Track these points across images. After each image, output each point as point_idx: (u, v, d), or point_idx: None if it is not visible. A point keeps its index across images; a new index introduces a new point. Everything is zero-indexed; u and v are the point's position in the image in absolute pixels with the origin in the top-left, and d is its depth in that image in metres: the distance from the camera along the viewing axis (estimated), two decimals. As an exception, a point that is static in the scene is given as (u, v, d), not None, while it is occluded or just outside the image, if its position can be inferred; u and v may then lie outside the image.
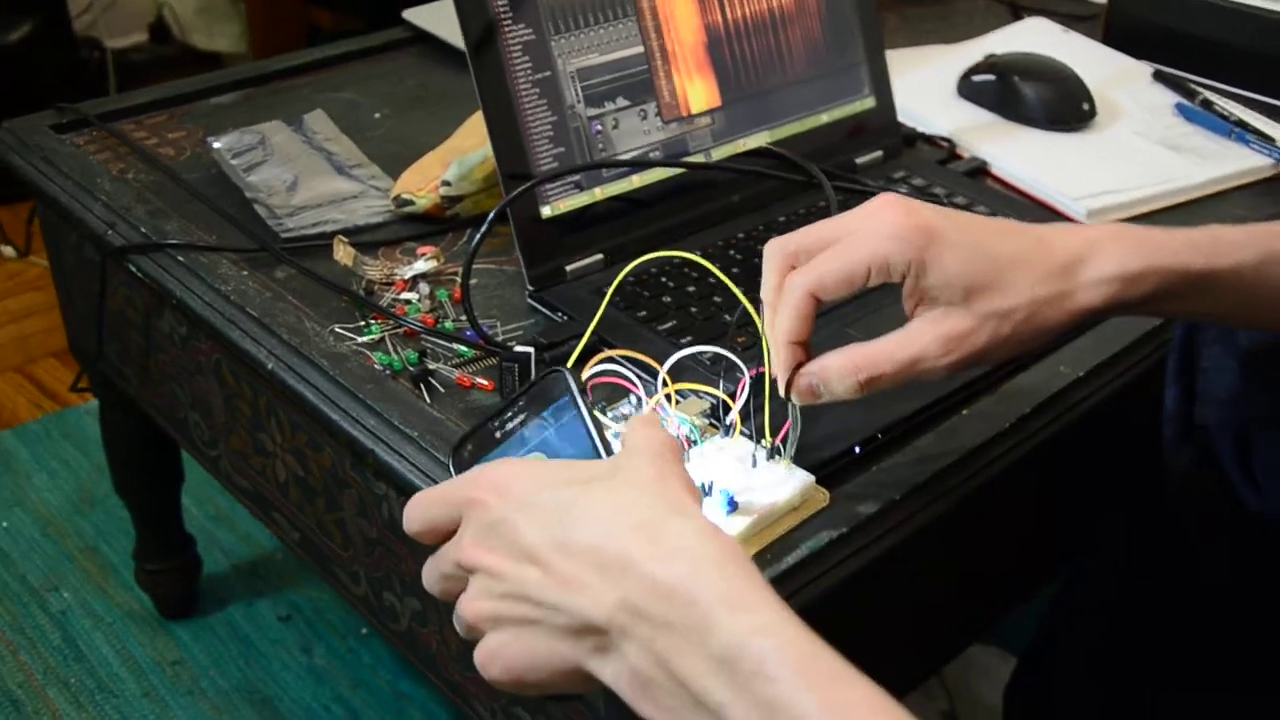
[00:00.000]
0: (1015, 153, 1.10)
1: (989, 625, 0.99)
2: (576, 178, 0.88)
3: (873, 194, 0.93)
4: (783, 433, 0.66)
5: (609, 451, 0.54)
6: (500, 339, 0.82)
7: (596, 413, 0.62)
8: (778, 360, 0.62)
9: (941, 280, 0.59)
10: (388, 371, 0.78)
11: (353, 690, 1.30)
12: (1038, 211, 1.03)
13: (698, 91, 0.94)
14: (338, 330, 0.82)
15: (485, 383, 0.79)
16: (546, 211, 0.86)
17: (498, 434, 0.56)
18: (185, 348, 0.94)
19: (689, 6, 0.93)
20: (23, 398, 1.78)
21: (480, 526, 0.49)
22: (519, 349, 0.77)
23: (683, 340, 0.80)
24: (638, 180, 0.90)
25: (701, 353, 0.71)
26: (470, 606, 0.49)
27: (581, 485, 0.49)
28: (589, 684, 0.47)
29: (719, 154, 0.96)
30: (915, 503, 0.69)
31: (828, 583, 0.65)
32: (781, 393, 0.63)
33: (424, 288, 0.87)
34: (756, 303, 0.65)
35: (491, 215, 0.82)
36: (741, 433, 0.68)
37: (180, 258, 0.89)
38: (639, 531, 0.46)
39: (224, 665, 1.33)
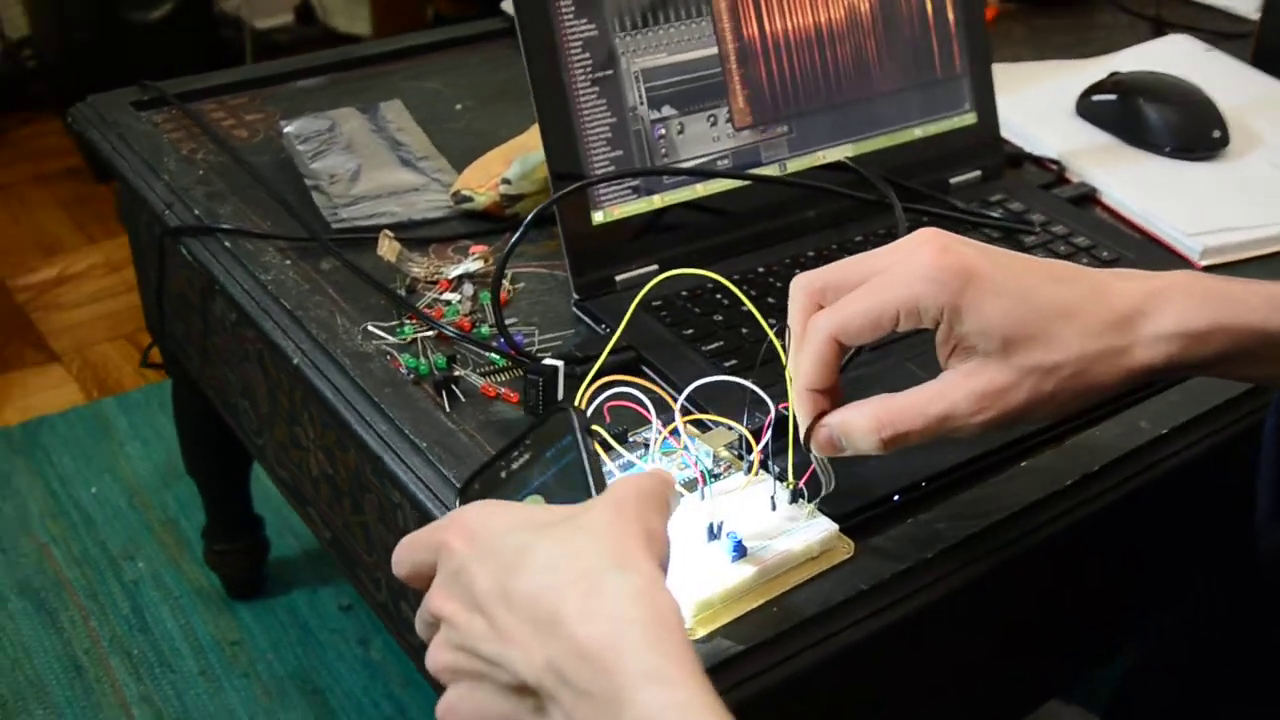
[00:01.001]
0: (1130, 180, 1.02)
1: (1058, 684, 0.91)
2: (634, 182, 0.84)
3: (955, 219, 0.89)
4: (806, 475, 0.62)
5: (600, 490, 0.51)
6: (536, 349, 0.79)
7: (599, 450, 0.60)
8: (798, 407, 0.59)
9: (979, 328, 0.54)
10: (411, 375, 0.76)
11: (403, 688, 1.29)
12: (1146, 247, 0.95)
13: (772, 99, 0.89)
14: (370, 328, 0.80)
15: (512, 394, 0.75)
16: (599, 217, 0.83)
17: (503, 474, 0.55)
18: (234, 334, 0.93)
19: (770, 8, 0.88)
20: (129, 366, 1.81)
21: (446, 573, 0.48)
22: (548, 361, 0.73)
23: (727, 364, 0.76)
24: (702, 189, 0.86)
25: (723, 383, 0.65)
26: (432, 657, 0.48)
27: (537, 530, 0.47)
28: None
29: (795, 166, 0.91)
30: (950, 562, 0.64)
31: (842, 642, 0.61)
32: (803, 442, 0.59)
33: (468, 289, 0.85)
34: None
35: (530, 217, 0.78)
36: (768, 471, 0.65)
37: (228, 243, 0.88)
38: (577, 584, 0.44)
39: (281, 650, 1.33)
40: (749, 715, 0.48)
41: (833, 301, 0.57)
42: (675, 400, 0.64)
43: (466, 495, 0.56)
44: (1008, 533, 0.66)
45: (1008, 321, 0.54)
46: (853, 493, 0.65)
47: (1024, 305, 0.54)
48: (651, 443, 0.66)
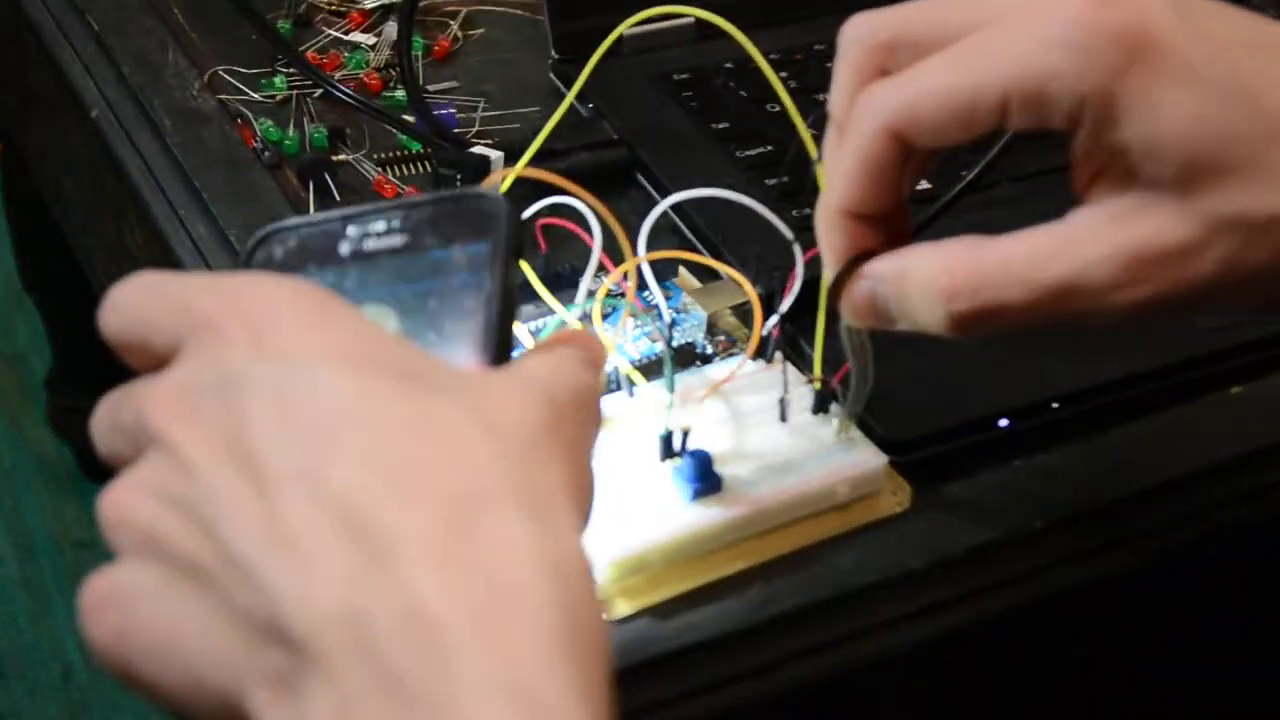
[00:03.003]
0: None
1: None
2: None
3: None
4: (841, 371, 0.59)
5: (499, 357, 0.48)
6: (473, 131, 0.77)
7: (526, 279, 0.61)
8: (824, 241, 0.55)
9: (1147, 139, 0.49)
10: (267, 153, 0.75)
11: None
12: None
13: None
14: (221, 74, 0.79)
15: (419, 198, 0.71)
16: (601, -68, 0.80)
17: (345, 247, 0.50)
18: (42, 69, 0.90)
19: None
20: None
21: (198, 371, 0.43)
22: (479, 149, 0.72)
23: (772, 181, 0.72)
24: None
25: (744, 210, 0.62)
26: (120, 497, 0.43)
27: (403, 387, 0.43)
28: None
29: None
30: (1073, 539, 0.61)
31: (864, 654, 0.59)
32: (828, 300, 0.56)
33: (391, 29, 0.82)
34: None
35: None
36: (785, 358, 0.63)
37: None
38: (442, 509, 0.40)
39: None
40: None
41: (905, 66, 0.53)
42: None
43: (264, 251, 0.51)
44: (1181, 504, 0.64)
45: (1201, 132, 0.50)
46: (920, 407, 0.63)
47: (1233, 106, 0.50)
48: (626, 295, 0.63)
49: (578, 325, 0.60)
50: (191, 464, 0.41)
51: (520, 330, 0.60)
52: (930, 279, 0.52)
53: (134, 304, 0.45)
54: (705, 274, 0.66)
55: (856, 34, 0.54)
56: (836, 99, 0.55)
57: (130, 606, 0.42)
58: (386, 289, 0.49)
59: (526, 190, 0.67)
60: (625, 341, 0.62)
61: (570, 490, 0.43)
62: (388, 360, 0.43)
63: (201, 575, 0.41)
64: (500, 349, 0.47)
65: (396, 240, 0.49)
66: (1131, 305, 0.51)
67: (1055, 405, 0.63)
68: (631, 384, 0.58)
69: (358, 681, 0.38)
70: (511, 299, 0.48)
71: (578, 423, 0.46)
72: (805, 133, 0.58)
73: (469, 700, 0.37)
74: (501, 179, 0.61)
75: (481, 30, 0.84)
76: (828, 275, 0.55)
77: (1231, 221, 0.50)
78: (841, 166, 0.54)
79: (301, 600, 0.39)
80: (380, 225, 0.50)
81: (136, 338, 0.45)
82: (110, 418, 0.46)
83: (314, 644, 0.38)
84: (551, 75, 0.80)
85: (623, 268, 0.60)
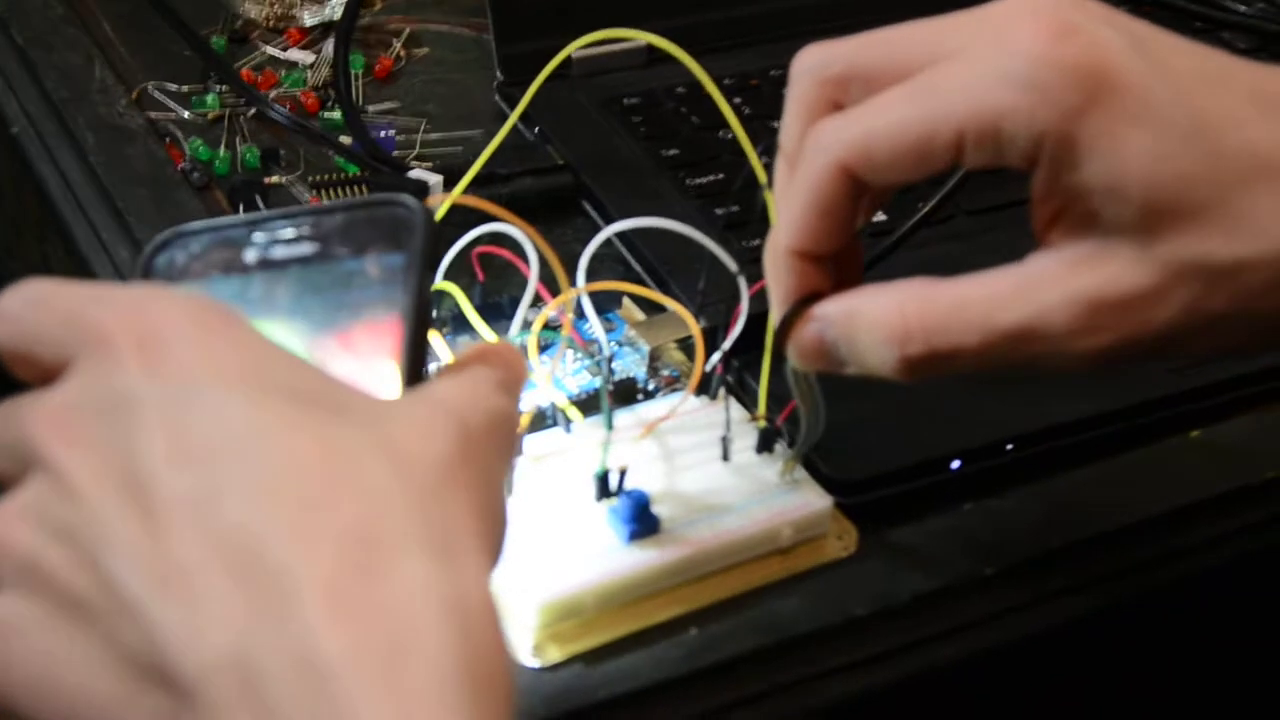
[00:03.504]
0: None
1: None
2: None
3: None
4: (787, 410, 0.58)
5: (411, 377, 0.47)
6: (413, 155, 0.77)
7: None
8: (773, 280, 0.55)
9: (1106, 180, 0.49)
10: (196, 172, 0.74)
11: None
12: None
13: None
14: (151, 91, 0.78)
15: (352, 222, 0.70)
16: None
17: (250, 254, 0.49)
18: None
19: None
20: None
21: (87, 389, 0.42)
22: (417, 173, 0.71)
23: (722, 210, 0.72)
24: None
25: (691, 243, 0.61)
26: (2, 523, 0.42)
27: (304, 415, 0.41)
28: None
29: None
30: (1024, 586, 0.61)
31: (805, 706, 0.58)
32: (775, 340, 0.55)
33: (330, 48, 0.82)
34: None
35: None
36: (733, 395, 0.62)
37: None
38: (343, 547, 0.39)
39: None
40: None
41: (858, 100, 0.53)
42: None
43: (164, 258, 0.49)
44: (1136, 551, 0.63)
45: (1161, 174, 0.49)
46: (869, 447, 0.62)
47: (1195, 146, 0.49)
48: (562, 328, 0.62)
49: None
50: (76, 490, 0.40)
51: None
52: (881, 322, 0.52)
53: (22, 313, 0.43)
54: (650, 306, 0.65)
55: (808, 65, 0.54)
56: (787, 132, 0.54)
57: (7, 643, 0.40)
58: (294, 301, 0.48)
59: (465, 216, 0.66)
60: (563, 375, 0.61)
61: (480, 526, 0.42)
62: (290, 384, 0.42)
63: (84, 611, 0.39)
64: (413, 369, 0.46)
65: (306, 248, 0.48)
66: (1090, 352, 0.50)
67: (1009, 447, 0.63)
68: (568, 420, 0.57)
69: None
70: (426, 314, 0.46)
71: (492, 452, 0.44)
72: (755, 160, 0.58)
73: None
74: (437, 204, 0.59)
75: (426, 50, 0.84)
76: (774, 316, 0.54)
77: (1193, 268, 0.49)
78: (792, 204, 0.53)
79: (188, 642, 0.38)
80: (289, 232, 0.48)
81: (23, 348, 0.43)
82: None
83: (199, 690, 0.37)
84: (497, 97, 0.80)
85: (560, 299, 0.59)
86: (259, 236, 0.48)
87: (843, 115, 0.52)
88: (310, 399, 0.42)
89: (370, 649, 0.37)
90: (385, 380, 0.45)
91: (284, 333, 0.46)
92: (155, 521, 0.39)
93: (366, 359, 0.46)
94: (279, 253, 0.48)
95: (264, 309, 0.47)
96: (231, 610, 0.38)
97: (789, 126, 0.54)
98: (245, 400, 0.41)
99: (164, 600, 0.38)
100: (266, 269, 0.48)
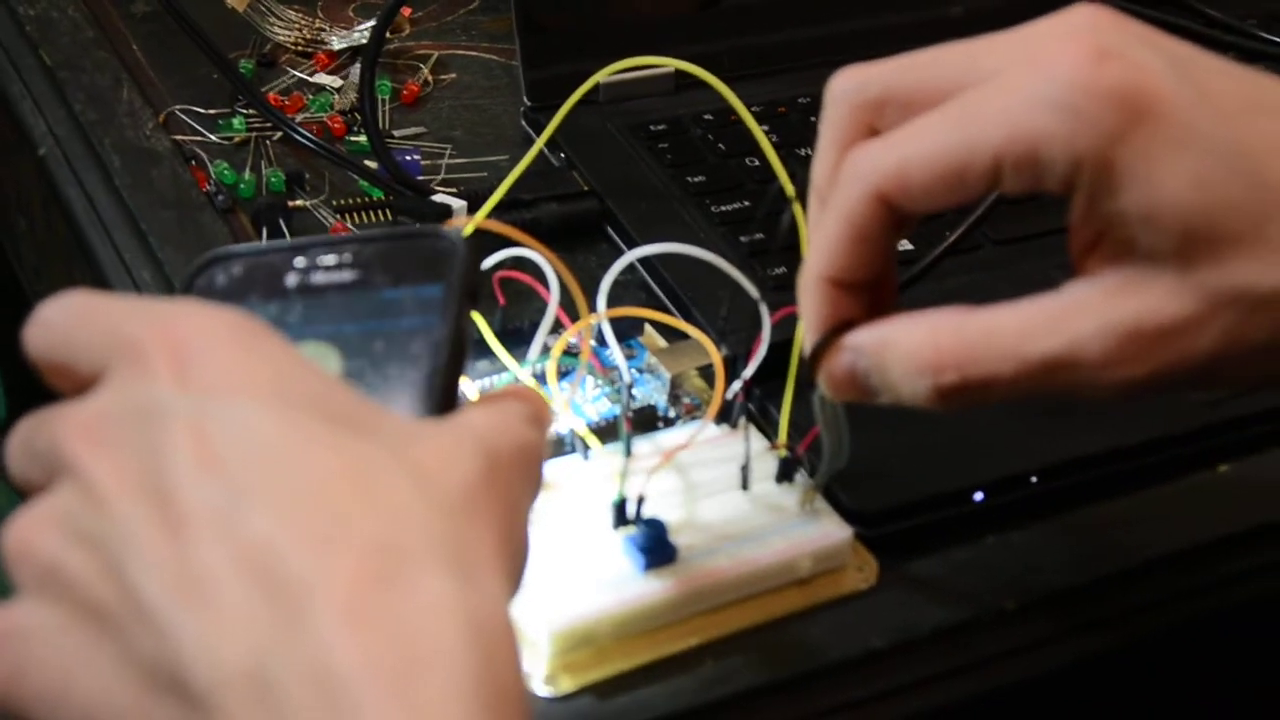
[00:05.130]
0: None
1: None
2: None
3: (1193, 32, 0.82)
4: (808, 439, 0.58)
5: (443, 406, 0.47)
6: (438, 179, 0.77)
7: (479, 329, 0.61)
8: (805, 307, 0.54)
9: (1144, 208, 0.49)
10: (220, 196, 0.74)
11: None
12: None
13: None
14: (178, 114, 0.78)
15: (377, 246, 0.71)
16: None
17: (291, 279, 0.50)
18: None
19: None
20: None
21: (120, 399, 0.42)
22: (441, 198, 0.71)
23: (747, 238, 0.72)
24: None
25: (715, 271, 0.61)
26: (26, 528, 0.42)
27: (333, 432, 0.42)
28: None
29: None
30: (1049, 621, 0.61)
31: None
32: (807, 370, 0.55)
33: (358, 72, 0.82)
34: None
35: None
36: (754, 423, 0.62)
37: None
38: (365, 561, 0.39)
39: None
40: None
41: (894, 124, 0.53)
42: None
43: (206, 277, 0.50)
44: (1162, 587, 0.63)
45: (1202, 201, 0.49)
46: (890, 478, 0.62)
47: (1236, 173, 0.49)
48: (581, 354, 0.62)
49: (530, 382, 0.60)
50: (103, 497, 0.40)
51: (469, 387, 0.59)
52: (914, 351, 0.52)
53: (61, 323, 0.44)
54: (672, 333, 0.65)
55: (844, 88, 0.54)
56: (822, 155, 0.54)
57: (26, 649, 0.41)
58: (331, 326, 0.48)
59: (488, 241, 0.66)
60: (583, 401, 0.61)
61: (501, 551, 0.43)
62: (321, 402, 0.43)
63: (104, 618, 0.40)
64: (445, 397, 0.46)
65: (346, 275, 0.49)
66: (1126, 383, 0.50)
67: (1033, 480, 0.63)
68: (586, 447, 0.57)
69: None
70: (463, 346, 0.47)
71: (517, 482, 0.45)
72: (784, 177, 0.58)
73: None
74: (460, 228, 0.60)
75: (453, 75, 0.84)
76: (806, 344, 0.54)
77: (1232, 296, 0.49)
78: (827, 231, 0.53)
79: (206, 651, 0.38)
80: (330, 259, 0.49)
81: (61, 359, 0.44)
82: (25, 442, 0.44)
83: (214, 699, 0.38)
84: (523, 123, 0.80)
85: (578, 325, 0.59)
86: (300, 261, 0.49)
87: (879, 141, 0.52)
88: (339, 417, 0.42)
89: (386, 663, 0.38)
90: (417, 407, 0.46)
91: (319, 355, 0.47)
92: (179, 531, 0.39)
93: (400, 385, 0.47)
94: (319, 279, 0.49)
95: (302, 332, 0.48)
96: (249, 622, 0.38)
97: (824, 150, 0.54)
98: (273, 414, 0.41)
99: (183, 610, 0.39)
100: (305, 294, 0.49)
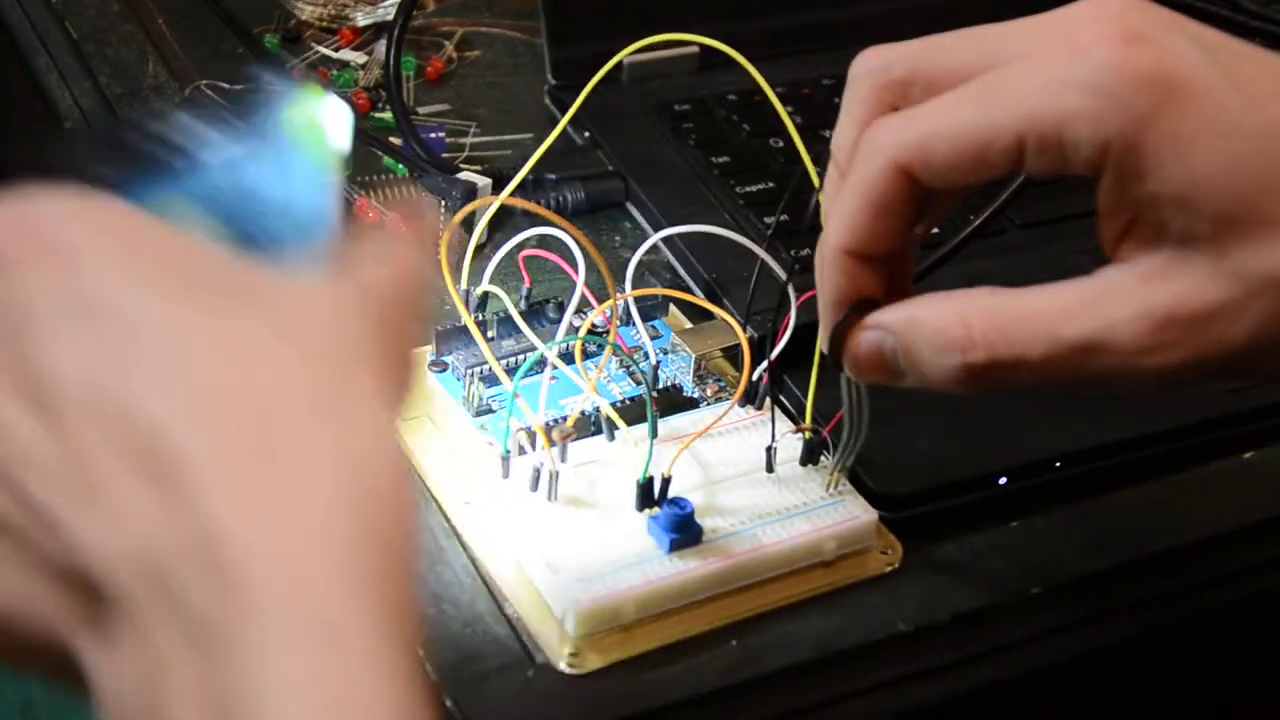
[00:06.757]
0: None
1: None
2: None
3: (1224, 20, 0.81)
4: (834, 421, 0.58)
5: (323, 260, 0.47)
6: (463, 156, 0.77)
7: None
8: (824, 284, 0.54)
9: (1176, 190, 0.48)
10: None
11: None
12: None
13: None
14: (204, 89, 0.78)
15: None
16: (605, -43, 0.80)
17: (172, 154, 0.49)
18: (17, 77, 0.89)
19: None
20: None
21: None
22: (466, 175, 0.72)
23: (770, 219, 0.72)
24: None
25: (739, 249, 0.62)
26: None
27: (207, 301, 0.42)
28: (82, 682, 0.41)
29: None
30: (1073, 606, 0.61)
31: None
32: (824, 347, 0.54)
33: (382, 49, 0.82)
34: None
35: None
36: (777, 406, 0.62)
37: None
38: (245, 432, 0.39)
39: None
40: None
41: (916, 101, 0.53)
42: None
43: (68, 163, 0.49)
44: (1186, 573, 0.63)
45: (1235, 184, 0.49)
46: (915, 462, 0.62)
47: (1268, 155, 0.49)
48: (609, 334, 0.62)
49: (557, 361, 0.60)
50: None
51: (497, 367, 0.59)
52: (943, 329, 0.51)
53: None
54: (697, 314, 0.65)
55: (869, 67, 0.54)
56: (842, 132, 0.54)
57: None
58: (214, 195, 0.48)
59: (513, 219, 0.66)
60: (608, 381, 0.62)
61: (384, 384, 0.43)
62: (199, 276, 0.42)
63: (6, 528, 0.40)
64: (327, 254, 0.46)
65: (229, 148, 0.49)
66: (1159, 369, 0.50)
67: (1057, 465, 0.63)
68: (612, 427, 0.57)
69: (159, 624, 0.38)
70: (339, 202, 0.48)
71: (405, 321, 0.45)
72: (809, 163, 0.58)
73: (254, 636, 0.37)
74: (482, 207, 0.60)
75: (478, 52, 0.84)
76: (824, 316, 0.54)
77: (1268, 281, 0.49)
78: (846, 203, 0.53)
79: (99, 545, 0.38)
80: (215, 134, 0.49)
81: None
82: None
83: (114, 587, 0.38)
84: (548, 101, 0.80)
85: (606, 304, 0.59)
86: (183, 136, 0.49)
87: (901, 115, 0.52)
88: (214, 286, 0.42)
89: (268, 533, 0.38)
90: (303, 267, 0.46)
91: (193, 222, 0.47)
92: (60, 425, 0.40)
93: (281, 245, 0.47)
94: (203, 153, 0.48)
95: (178, 199, 0.47)
96: (135, 509, 0.38)
97: (845, 125, 0.54)
98: (145, 294, 0.41)
99: (73, 509, 0.39)
100: (189, 166, 0.48)
